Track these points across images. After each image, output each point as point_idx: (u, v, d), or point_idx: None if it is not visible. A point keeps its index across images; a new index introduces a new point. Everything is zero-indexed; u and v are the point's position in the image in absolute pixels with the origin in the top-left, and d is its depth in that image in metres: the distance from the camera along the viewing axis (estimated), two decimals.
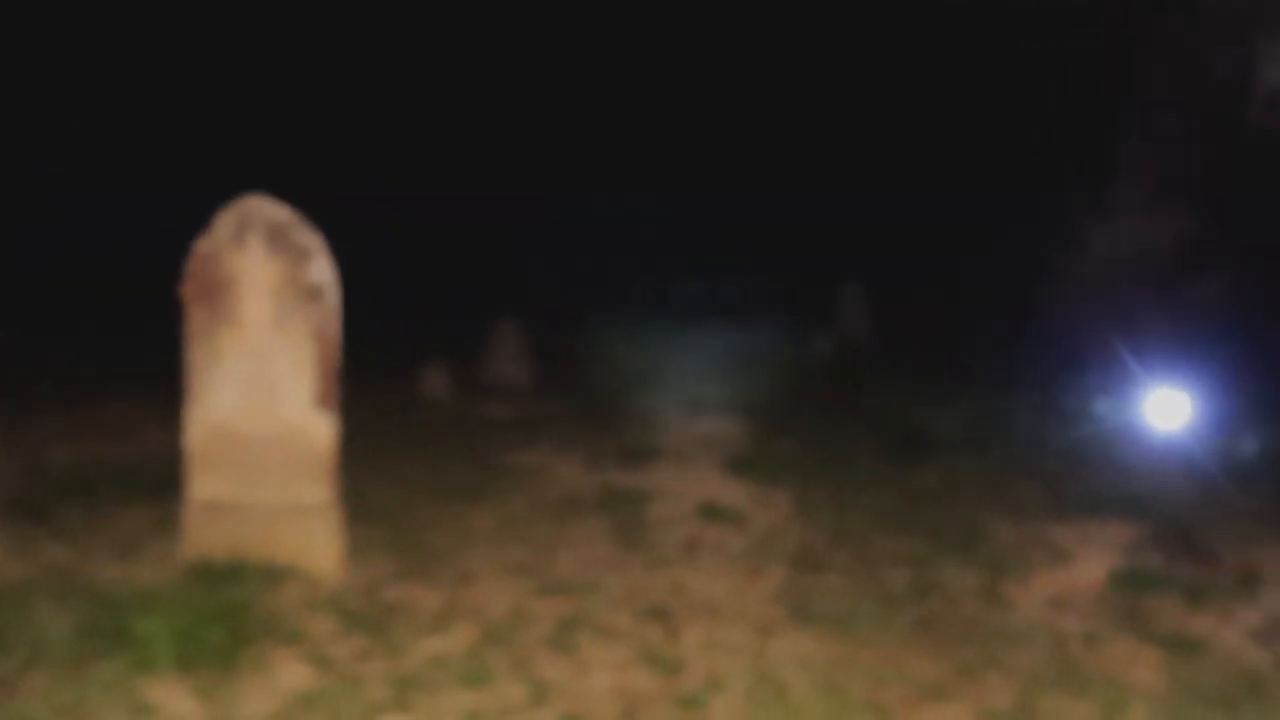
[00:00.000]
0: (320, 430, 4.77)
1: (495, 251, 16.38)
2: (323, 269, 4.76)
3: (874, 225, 15.53)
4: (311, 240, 4.75)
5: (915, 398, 9.17)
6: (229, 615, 4.17)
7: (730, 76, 16.62)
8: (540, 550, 5.32)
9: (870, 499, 6.32)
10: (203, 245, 4.78)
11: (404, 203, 16.23)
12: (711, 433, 8.03)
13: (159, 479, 5.80)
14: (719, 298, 15.51)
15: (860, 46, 15.32)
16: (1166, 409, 8.31)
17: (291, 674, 3.91)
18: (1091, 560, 5.46)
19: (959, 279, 13.54)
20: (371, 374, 7.51)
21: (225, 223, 4.77)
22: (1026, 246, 11.98)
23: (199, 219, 4.79)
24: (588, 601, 4.67)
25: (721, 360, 11.06)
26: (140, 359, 9.37)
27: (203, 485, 4.83)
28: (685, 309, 14.81)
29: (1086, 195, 11.44)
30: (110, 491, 5.89)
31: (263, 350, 4.77)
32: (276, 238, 4.73)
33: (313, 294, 4.73)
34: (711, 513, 5.99)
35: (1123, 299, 10.30)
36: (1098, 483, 6.93)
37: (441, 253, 16.17)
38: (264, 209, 4.75)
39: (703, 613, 4.59)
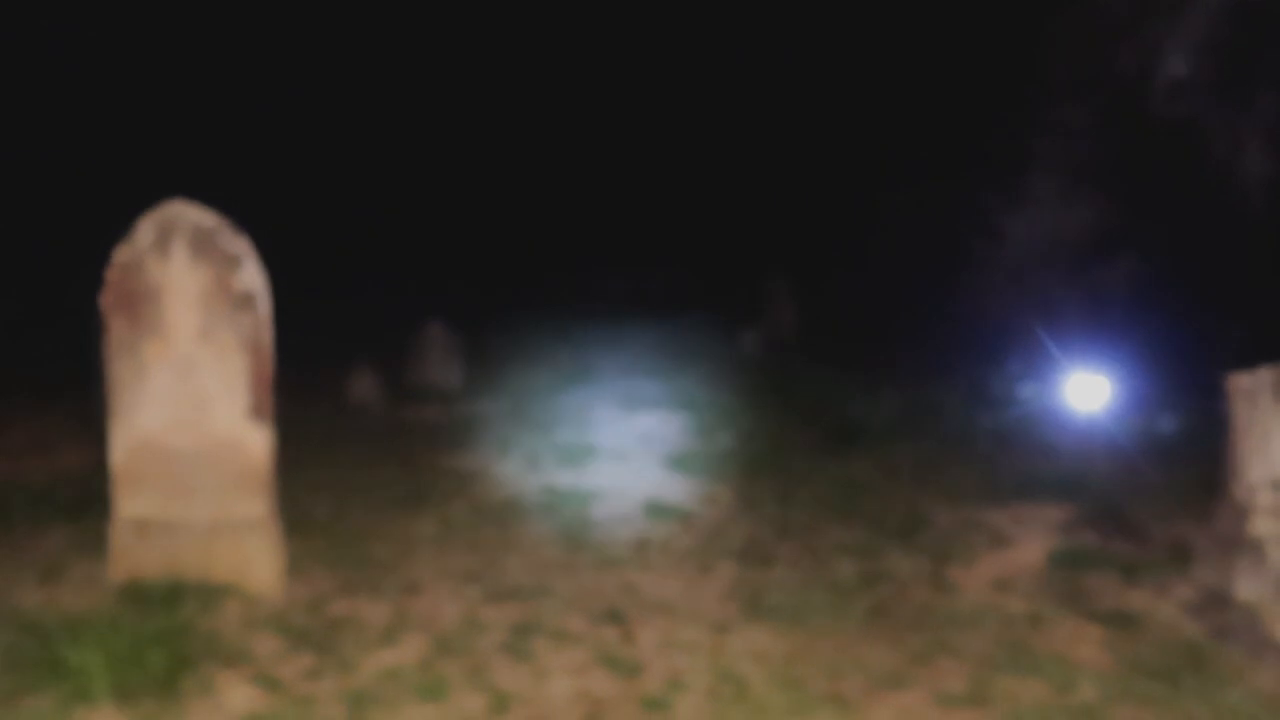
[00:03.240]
0: (255, 442, 4.60)
1: (422, 254, 16.10)
2: (252, 276, 4.59)
3: (797, 219, 15.70)
4: (240, 246, 4.58)
5: (846, 389, 9.28)
6: (167, 639, 3.99)
7: (655, 74, 16.63)
8: (486, 555, 5.23)
9: (811, 490, 6.37)
10: (123, 253, 4.56)
11: (330, 205, 15.85)
12: (649, 429, 8.01)
13: (77, 499, 5.56)
14: (648, 293, 15.51)
15: (779, 43, 15.46)
16: (1087, 391, 8.57)
17: (238, 697, 3.76)
18: (1030, 542, 5.59)
19: (880, 270, 13.77)
20: (298, 380, 7.29)
21: (146, 229, 4.56)
22: (945, 236, 12.24)
23: (121, 225, 4.58)
24: (540, 606, 4.60)
25: (654, 356, 11.04)
26: (49, 372, 8.97)
27: (131, 504, 4.61)
28: (614, 305, 14.77)
29: (1001, 185, 11.73)
30: (26, 513, 5.60)
31: (190, 362, 4.58)
32: (202, 244, 4.54)
33: (243, 302, 4.55)
34: (657, 510, 5.97)
35: (1039, 286, 10.59)
36: (1028, 466, 7.10)
37: (368, 255, 15.84)
38: (188, 214, 4.56)
39: (657, 612, 4.56)
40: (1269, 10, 9.74)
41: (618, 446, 7.48)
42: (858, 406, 8.57)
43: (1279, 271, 9.76)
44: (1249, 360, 4.71)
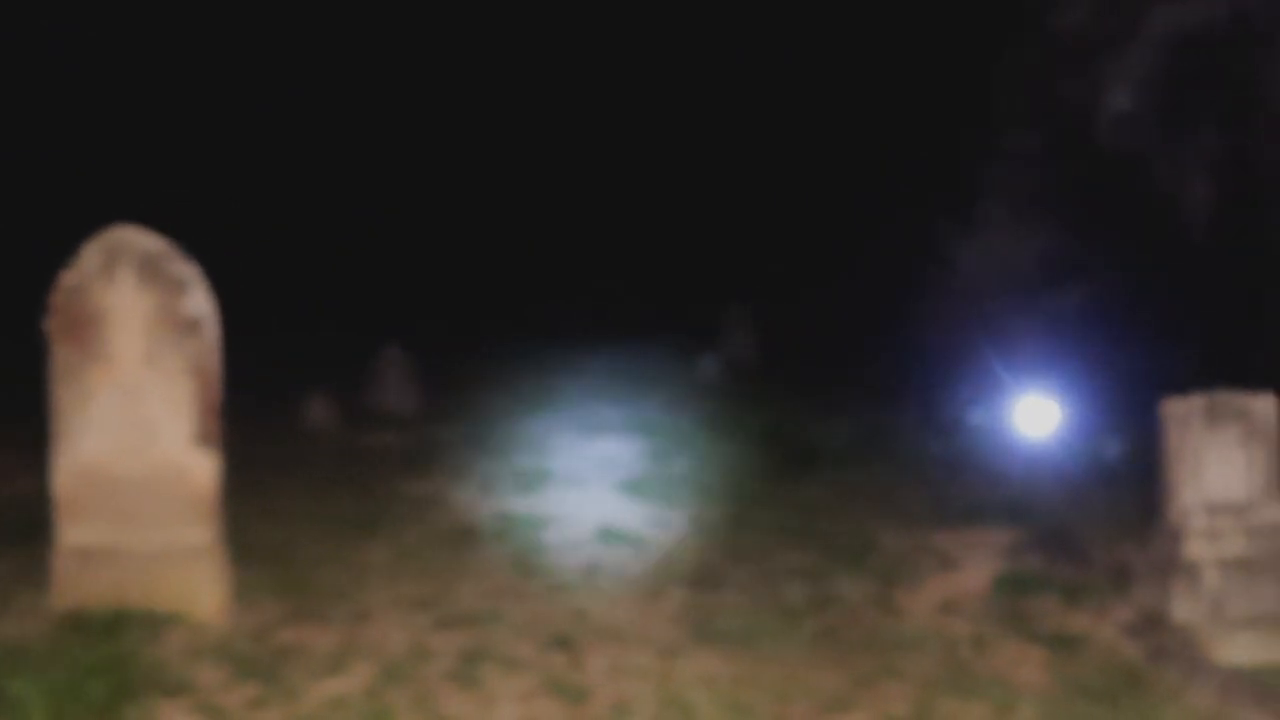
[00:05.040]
0: (201, 469, 4.57)
1: (381, 278, 16.04)
2: (199, 301, 4.57)
3: (754, 246, 15.84)
4: (187, 271, 4.56)
5: (802, 414, 9.39)
6: (109, 669, 3.94)
7: (616, 98, 16.75)
8: (438, 582, 5.21)
9: (765, 515, 6.43)
10: (68, 278, 4.53)
11: (288, 229, 15.76)
12: (605, 455, 8.03)
13: (24, 526, 5.45)
14: (609, 319, 15.54)
15: (742, 71, 15.66)
16: (1036, 417, 8.72)
17: None
18: (976, 565, 5.67)
19: (836, 296, 13.93)
20: (253, 405, 7.25)
21: (93, 254, 4.53)
22: (898, 263, 12.42)
23: (66, 250, 4.55)
24: (489, 632, 4.59)
25: (613, 382, 11.08)
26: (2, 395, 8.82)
27: (74, 532, 4.56)
28: (575, 331, 14.79)
29: (953, 213, 11.94)
30: None
31: (136, 388, 4.54)
32: (149, 269, 4.52)
33: (189, 327, 4.53)
34: (610, 536, 5.98)
35: (990, 312, 10.77)
36: (977, 490, 7.22)
37: (326, 280, 15.76)
38: (135, 239, 4.54)
39: (606, 638, 4.57)
40: (1209, 45, 10.05)
41: (573, 472, 7.49)
42: (813, 431, 8.68)
43: (1218, 300, 10.02)
44: (1191, 386, 4.85)
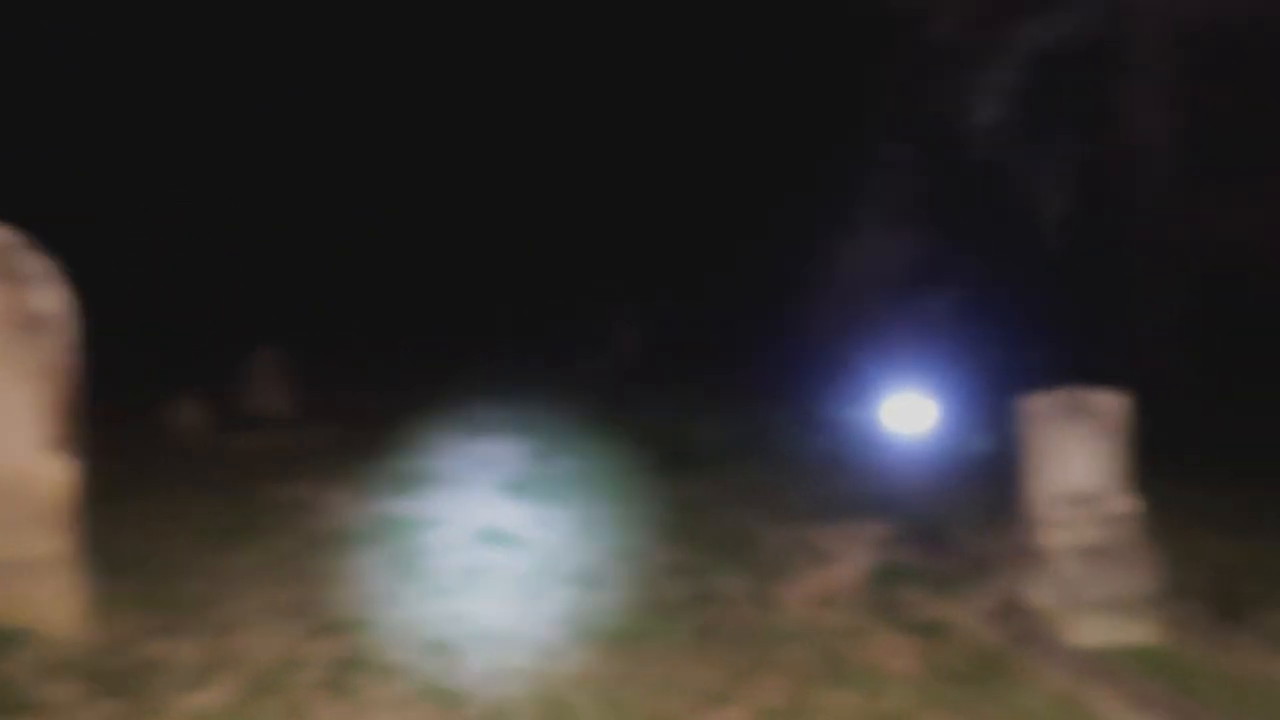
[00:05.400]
0: (51, 474, 4.33)
1: (257, 278, 15.50)
2: (49, 297, 4.33)
3: (639, 247, 15.93)
4: (36, 265, 4.31)
5: (684, 412, 9.50)
6: None
7: (505, 98, 16.58)
8: (311, 589, 5.06)
9: (647, 513, 6.46)
10: None
11: (165, 228, 15.08)
12: (488, 455, 7.96)
13: None
14: (493, 319, 15.41)
15: (618, 77, 15.70)
16: (910, 414, 9.03)
17: None
18: (851, 559, 5.82)
19: (719, 297, 14.14)
20: (119, 407, 6.93)
21: None
22: (779, 266, 12.70)
23: None
24: (364, 639, 4.48)
25: (497, 382, 10.98)
26: None
27: None
28: (459, 331, 14.62)
29: (831, 217, 12.28)
30: None
31: None
32: None
33: (37, 324, 4.29)
34: (491, 537, 5.92)
35: (867, 312, 11.12)
36: (853, 486, 7.42)
37: (201, 279, 15.14)
38: None
39: (485, 641, 4.52)
40: (1066, 63, 10.59)
41: (454, 473, 7.40)
42: (695, 430, 8.79)
43: (1074, 302, 10.57)
44: (1049, 383, 5.09)
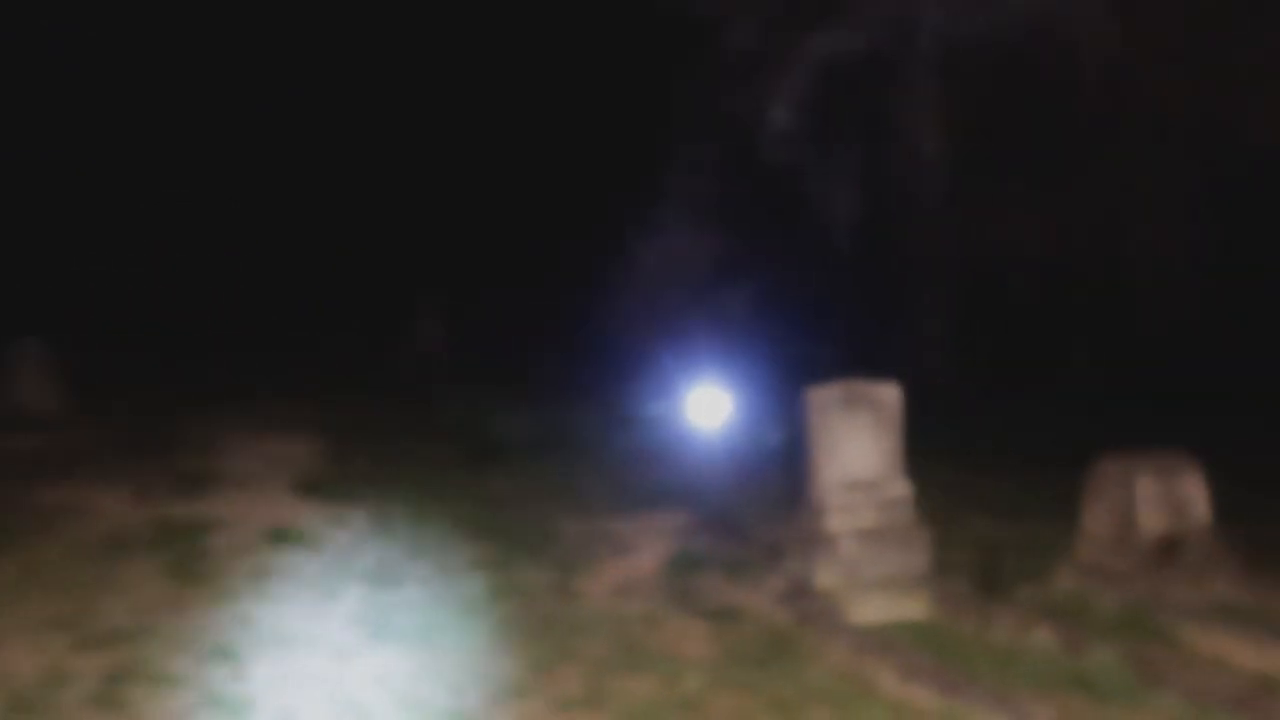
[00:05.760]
0: None
1: (20, 269, 14.17)
2: None
3: (445, 242, 15.66)
4: None
5: (490, 407, 9.42)
6: None
7: (304, 87, 15.82)
8: (80, 599, 4.70)
9: (448, 508, 6.38)
10: None
11: None
12: (280, 454, 7.60)
13: None
14: (291, 310, 14.73)
15: (427, 70, 15.36)
16: (709, 407, 9.32)
17: None
18: (650, 548, 5.95)
19: (525, 293, 14.11)
20: None
21: None
22: (585, 262, 12.81)
23: None
24: (140, 649, 4.21)
25: (291, 376, 10.53)
26: None
27: None
28: (252, 321, 13.89)
29: (636, 216, 12.49)
30: None
31: None
32: None
33: None
34: (281, 538, 5.68)
35: (668, 309, 11.38)
36: (654, 478, 7.58)
37: None
38: None
39: (274, 645, 4.34)
40: (852, 72, 11.21)
41: (244, 473, 7.03)
42: (500, 424, 8.73)
43: (861, 299, 11.23)
44: (838, 376, 5.38)
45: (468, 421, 8.63)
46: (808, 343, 10.91)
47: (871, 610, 5.00)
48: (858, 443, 5.06)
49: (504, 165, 14.78)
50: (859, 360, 8.03)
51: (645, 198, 12.02)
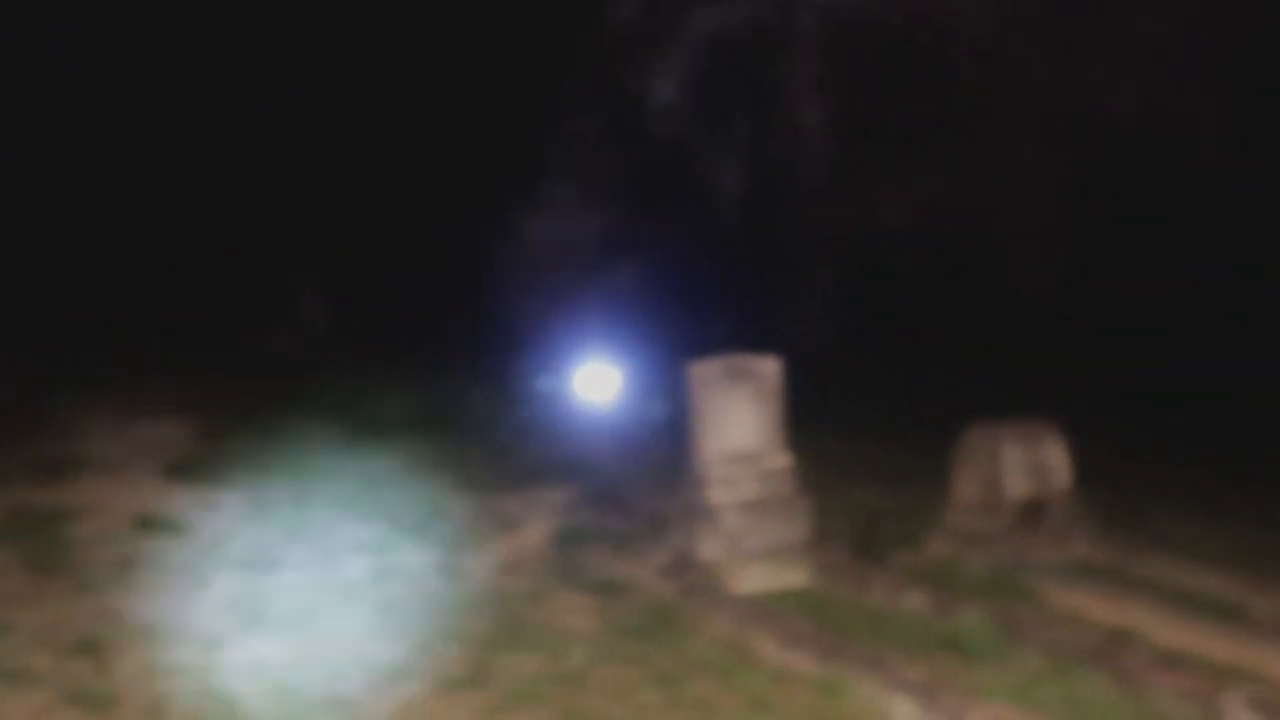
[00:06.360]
0: None
1: None
2: None
3: (327, 215, 15.18)
4: None
5: (375, 385, 9.21)
6: None
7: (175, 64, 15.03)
8: None
9: (330, 490, 6.22)
10: None
11: None
12: (149, 436, 7.28)
13: None
14: (166, 288, 14.05)
15: (311, 52, 14.76)
16: (598, 382, 9.32)
17: None
18: (537, 525, 5.94)
19: (411, 268, 13.81)
20: None
21: None
22: (471, 237, 12.60)
23: None
24: None
25: (164, 355, 10.09)
26: None
27: None
28: (121, 296, 13.20)
29: (522, 190, 12.35)
30: None
31: None
32: None
33: None
34: (149, 525, 5.45)
35: (555, 285, 11.31)
36: (543, 453, 7.55)
37: None
38: None
39: (140, 637, 4.17)
40: (737, 48, 11.28)
41: (110, 457, 6.71)
42: (384, 402, 8.55)
43: (748, 274, 11.37)
44: (725, 350, 5.43)
45: (351, 399, 8.42)
46: (697, 317, 11.00)
47: (753, 580, 5.09)
48: (739, 416, 5.12)
49: (387, 139, 14.38)
50: (746, 334, 8.15)
51: (532, 172, 11.88)
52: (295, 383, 9.33)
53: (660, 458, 7.36)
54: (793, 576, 5.19)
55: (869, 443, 8.38)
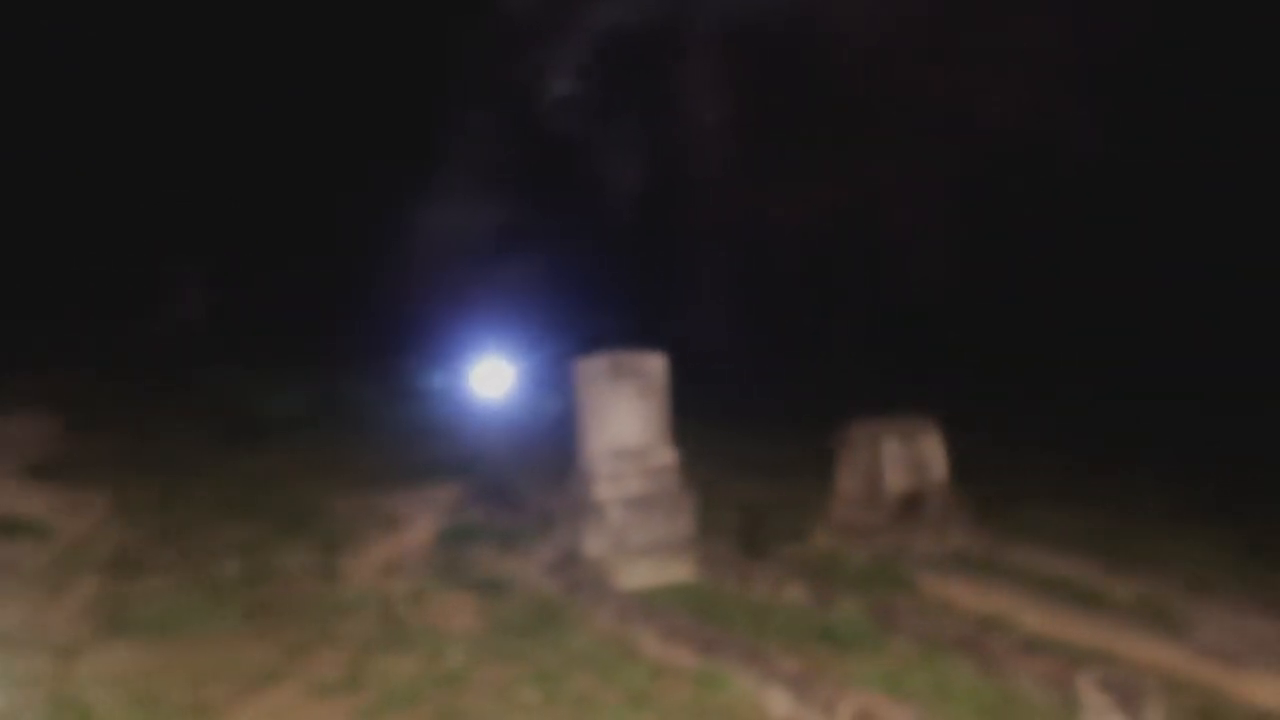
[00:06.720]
0: None
1: None
2: None
3: (212, 207, 14.64)
4: None
5: (258, 381, 8.94)
6: None
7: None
8: None
9: (202, 490, 6.01)
10: None
11: None
12: (10, 434, 6.91)
13: None
14: (34, 278, 13.36)
15: (199, 41, 14.20)
16: (491, 378, 9.22)
17: None
18: (422, 523, 5.82)
19: (300, 261, 13.44)
20: None
21: None
22: (363, 230, 12.33)
23: None
24: None
25: (26, 348, 9.59)
26: None
27: None
28: None
29: (416, 183, 12.12)
30: None
31: None
32: None
33: None
34: (7, 528, 5.17)
35: (449, 279, 11.14)
36: (432, 450, 7.43)
37: None
38: None
39: None
40: (634, 44, 11.28)
41: None
42: (270, 399, 8.31)
43: (644, 270, 11.40)
44: (618, 346, 5.41)
45: (231, 396, 8.15)
46: (593, 313, 10.97)
47: (639, 576, 5.10)
48: (624, 412, 5.12)
49: (275, 131, 13.94)
50: (640, 329, 8.17)
51: (426, 165, 11.66)
52: (172, 378, 9.00)
53: (552, 453, 7.31)
54: (678, 571, 5.22)
55: (757, 438, 8.48)
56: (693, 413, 5.76)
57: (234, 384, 8.56)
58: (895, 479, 5.68)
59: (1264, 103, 10.95)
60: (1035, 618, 4.68)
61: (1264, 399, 9.91)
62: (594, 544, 5.06)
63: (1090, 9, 10.54)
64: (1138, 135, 11.20)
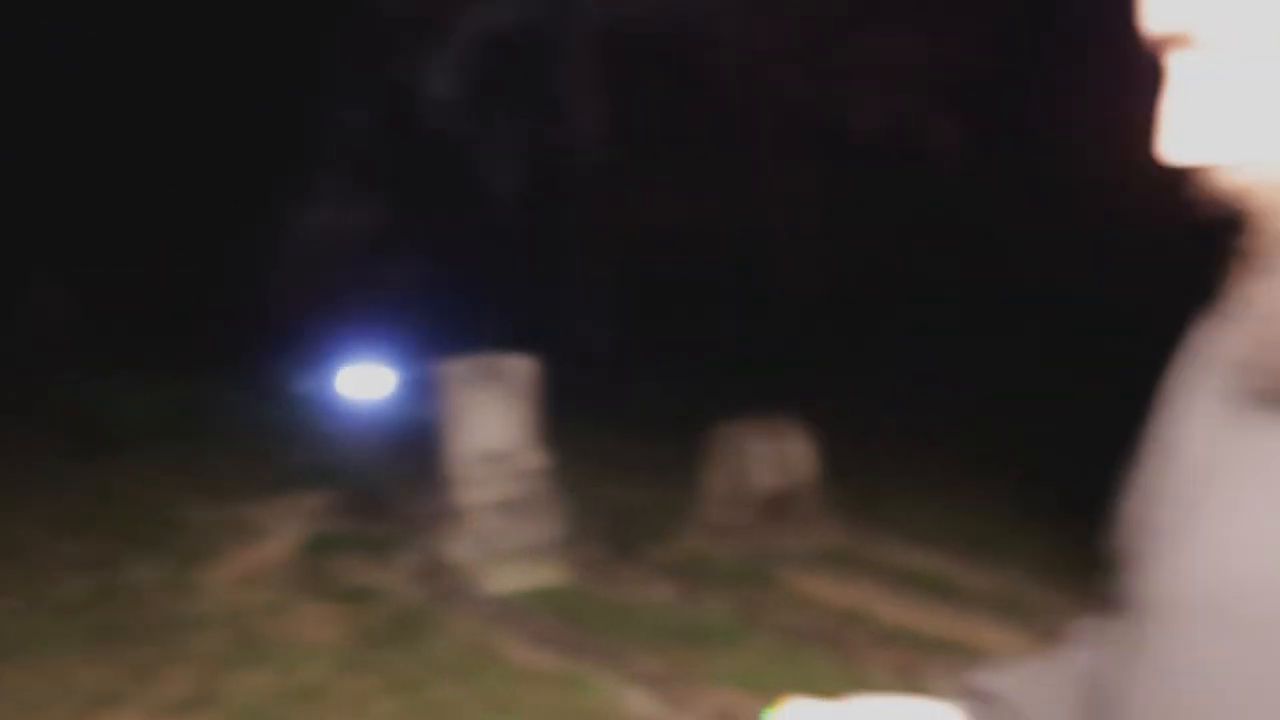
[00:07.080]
0: None
1: None
2: None
3: (67, 206, 13.93)
4: None
5: (115, 386, 8.54)
6: None
7: None
8: None
9: (47, 504, 5.72)
10: None
11: None
12: None
13: None
14: None
15: (61, 34, 13.47)
16: (364, 382, 9.02)
17: None
18: (284, 533, 5.66)
19: (163, 262, 12.89)
20: None
21: None
22: (236, 229, 11.91)
23: None
24: None
25: None
26: None
27: None
28: None
29: (291, 182, 11.79)
30: None
31: None
32: None
33: None
34: None
35: (325, 281, 10.87)
36: (298, 457, 7.21)
37: None
38: None
39: None
40: (513, 46, 11.22)
41: None
42: (123, 406, 7.95)
43: (523, 273, 11.34)
44: (498, 349, 5.35)
45: (86, 404, 7.77)
46: (470, 317, 10.85)
47: (507, 580, 5.06)
48: (490, 416, 5.08)
49: (139, 128, 13.34)
50: (518, 332, 8.12)
51: (299, 165, 11.35)
52: (22, 387, 8.51)
53: (425, 459, 7.22)
54: (547, 575, 5.20)
55: (631, 440, 8.52)
56: (570, 415, 5.75)
57: (91, 392, 8.16)
58: (762, 478, 5.78)
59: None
60: (892, 610, 4.84)
61: (1131, 398, 10.43)
62: (460, 550, 5.01)
63: (951, 27, 10.98)
64: (993, 142, 11.71)
